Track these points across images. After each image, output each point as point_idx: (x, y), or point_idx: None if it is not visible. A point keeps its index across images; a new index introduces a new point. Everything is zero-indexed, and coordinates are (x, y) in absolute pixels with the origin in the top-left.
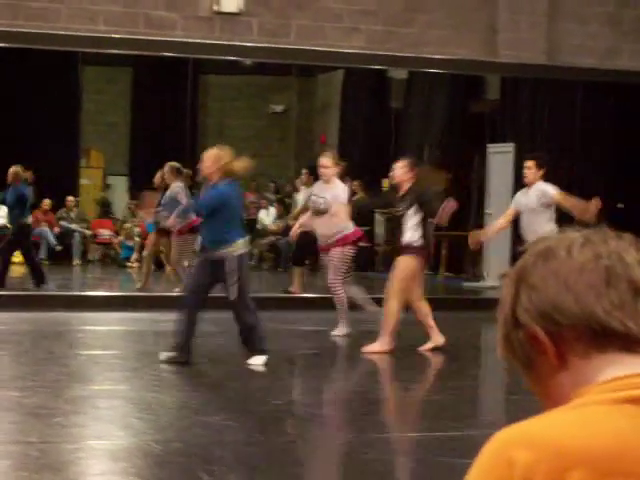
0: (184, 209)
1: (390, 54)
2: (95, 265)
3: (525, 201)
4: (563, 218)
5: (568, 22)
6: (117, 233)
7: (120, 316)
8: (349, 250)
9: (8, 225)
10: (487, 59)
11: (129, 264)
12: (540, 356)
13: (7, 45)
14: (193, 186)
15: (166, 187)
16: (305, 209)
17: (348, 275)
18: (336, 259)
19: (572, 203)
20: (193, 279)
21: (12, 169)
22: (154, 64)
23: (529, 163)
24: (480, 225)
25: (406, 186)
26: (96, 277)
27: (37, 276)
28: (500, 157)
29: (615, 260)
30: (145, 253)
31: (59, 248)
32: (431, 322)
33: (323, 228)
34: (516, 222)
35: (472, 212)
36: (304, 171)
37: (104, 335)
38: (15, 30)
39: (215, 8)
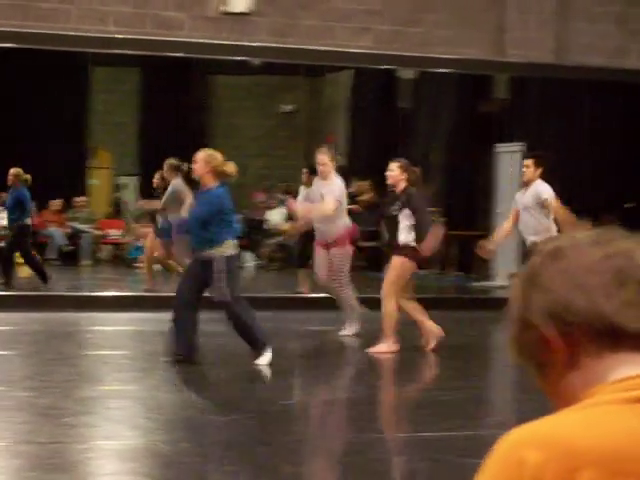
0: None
1: (398, 54)
2: (104, 265)
3: (523, 200)
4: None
5: (576, 21)
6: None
7: (129, 316)
8: (349, 248)
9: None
10: (495, 59)
11: (138, 264)
12: (551, 356)
13: (17, 46)
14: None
15: (166, 186)
16: None
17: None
18: (337, 259)
19: (562, 216)
20: (184, 279)
21: (12, 171)
22: (163, 64)
23: (527, 161)
24: (488, 225)
25: (401, 186)
26: (105, 277)
27: (40, 275)
28: (508, 157)
29: (625, 260)
30: (144, 255)
31: (68, 248)
32: (421, 317)
33: (321, 224)
34: None
35: (481, 212)
36: (304, 170)
37: (113, 335)
38: (25, 31)
39: (223, 8)
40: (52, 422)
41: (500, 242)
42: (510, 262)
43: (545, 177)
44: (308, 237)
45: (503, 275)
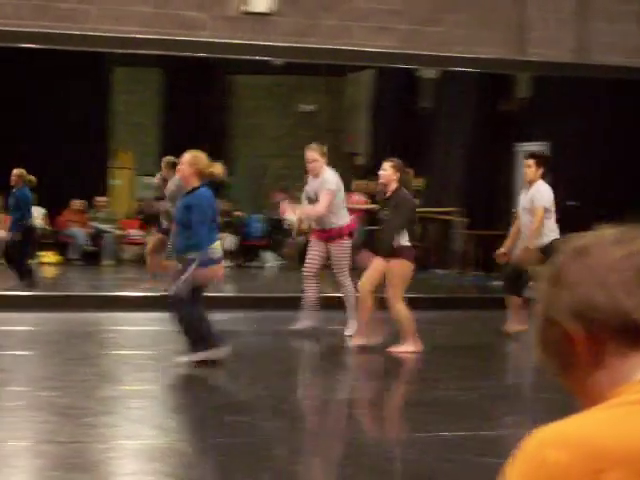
0: None
1: (418, 53)
2: (126, 265)
3: (523, 200)
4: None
5: (597, 20)
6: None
7: (150, 316)
8: (347, 242)
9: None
10: (515, 58)
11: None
12: (576, 355)
13: (36, 46)
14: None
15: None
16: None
17: (316, 270)
18: (337, 254)
19: (534, 230)
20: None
21: (16, 171)
22: (184, 64)
23: (529, 161)
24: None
25: (392, 186)
26: (127, 277)
27: (22, 277)
28: None
29: None
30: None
31: (91, 248)
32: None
33: (319, 223)
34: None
35: (501, 211)
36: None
37: (134, 335)
38: (44, 31)
39: (244, 8)
40: (73, 422)
41: (511, 245)
42: None
43: (575, 175)
44: None
45: None
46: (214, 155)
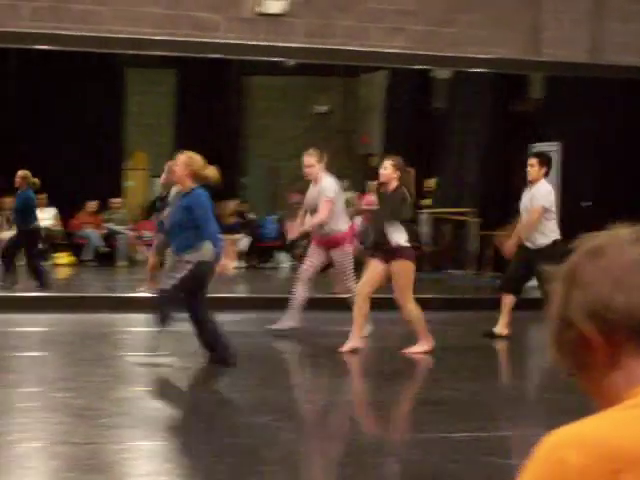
0: None
1: (432, 54)
2: (140, 266)
3: (525, 199)
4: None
5: (611, 21)
6: None
7: None
8: (348, 248)
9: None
10: (530, 58)
11: None
12: (591, 355)
13: (50, 48)
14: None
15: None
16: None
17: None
18: (340, 260)
19: (527, 225)
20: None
21: (20, 173)
22: (198, 66)
23: (532, 161)
24: None
25: (392, 185)
26: (141, 279)
27: (38, 277)
28: None
29: None
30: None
31: (105, 250)
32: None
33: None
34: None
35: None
36: None
37: (149, 337)
38: (58, 33)
39: (258, 9)
40: (88, 423)
41: (515, 244)
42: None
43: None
44: None
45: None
46: (228, 156)
